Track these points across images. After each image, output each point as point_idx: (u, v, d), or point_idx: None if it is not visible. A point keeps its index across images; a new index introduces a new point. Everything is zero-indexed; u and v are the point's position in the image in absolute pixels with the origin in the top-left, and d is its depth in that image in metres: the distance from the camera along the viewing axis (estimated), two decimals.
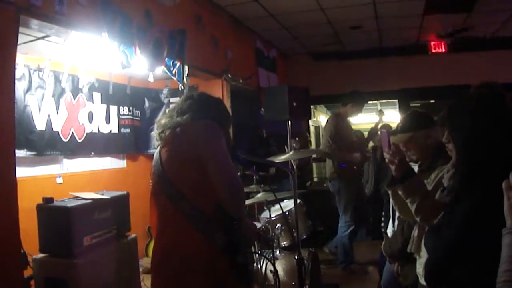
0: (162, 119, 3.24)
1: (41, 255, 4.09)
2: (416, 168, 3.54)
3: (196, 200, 2.92)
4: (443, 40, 9.60)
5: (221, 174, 2.90)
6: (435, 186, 3.13)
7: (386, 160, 2.96)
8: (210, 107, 3.25)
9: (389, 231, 4.18)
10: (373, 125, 7.58)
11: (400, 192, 2.91)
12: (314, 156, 9.05)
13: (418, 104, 11.26)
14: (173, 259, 2.95)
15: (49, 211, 4.09)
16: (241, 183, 3.02)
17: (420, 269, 3.18)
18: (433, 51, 9.79)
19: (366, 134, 7.99)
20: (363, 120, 12.07)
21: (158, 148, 3.17)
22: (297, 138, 7.97)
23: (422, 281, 3.12)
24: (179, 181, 2.97)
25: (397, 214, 3.58)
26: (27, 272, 3.92)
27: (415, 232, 3.28)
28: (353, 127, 7.82)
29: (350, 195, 7.20)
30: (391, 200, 3.31)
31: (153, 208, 3.17)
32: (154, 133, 3.28)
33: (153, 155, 3.27)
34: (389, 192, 3.17)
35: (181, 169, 2.99)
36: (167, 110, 6.66)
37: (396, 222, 3.90)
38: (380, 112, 7.56)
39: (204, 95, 3.38)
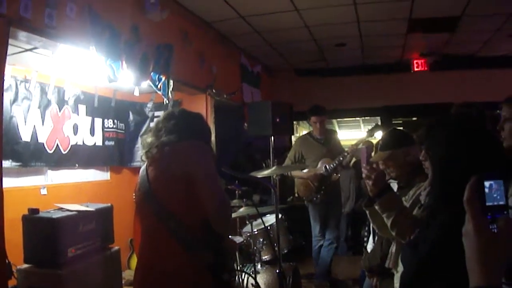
0: (147, 137, 3.27)
1: (25, 265, 4.10)
2: (395, 185, 3.62)
3: (183, 217, 2.97)
4: (425, 58, 9.73)
5: (212, 192, 2.95)
6: (413, 203, 3.20)
7: (363, 175, 3.03)
8: (195, 125, 3.31)
9: (369, 247, 4.24)
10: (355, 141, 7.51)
11: (376, 207, 2.98)
12: None
13: (400, 121, 11.37)
14: (158, 277, 2.99)
15: (34, 222, 4.10)
16: (229, 202, 3.09)
17: (397, 284, 3.24)
18: (416, 69, 9.91)
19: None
20: (347, 136, 12.18)
21: (144, 166, 3.21)
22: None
23: None
24: (167, 199, 3.02)
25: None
26: (12, 283, 3.94)
27: (393, 248, 3.35)
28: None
29: (313, 210, 7.26)
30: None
31: (137, 225, 3.21)
32: (141, 152, 3.32)
33: (136, 168, 3.33)
34: (367, 212, 3.24)
35: (169, 188, 3.03)
36: (151, 124, 6.73)
37: (376, 238, 3.96)
38: (376, 127, 6.88)
39: (184, 113, 3.43)
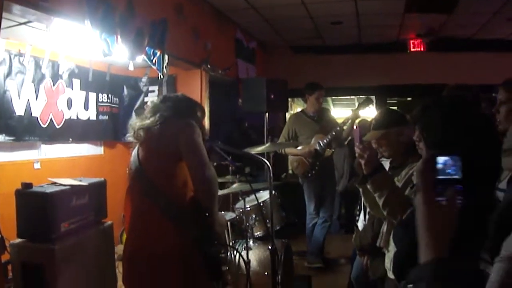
0: (133, 121, 3.38)
1: (18, 240, 4.08)
2: (387, 164, 3.63)
3: (172, 194, 3.04)
4: (422, 38, 9.70)
5: (195, 166, 3.03)
6: (405, 183, 3.21)
7: (356, 155, 3.04)
8: (179, 106, 3.38)
9: (360, 225, 4.26)
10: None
11: (368, 186, 3.00)
12: None
13: (395, 101, 11.37)
14: (148, 258, 3.04)
15: (28, 197, 4.08)
16: (214, 176, 3.12)
17: (388, 263, 3.27)
18: (412, 49, 9.89)
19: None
20: (341, 114, 12.19)
21: (136, 146, 3.27)
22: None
23: (390, 274, 3.20)
24: (156, 176, 3.09)
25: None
26: (5, 257, 3.94)
27: (384, 227, 3.36)
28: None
29: (308, 188, 7.29)
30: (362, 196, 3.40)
31: (128, 203, 3.25)
32: (130, 135, 3.37)
33: (130, 142, 3.36)
34: (360, 189, 3.26)
35: (159, 165, 3.11)
36: (145, 99, 6.70)
37: (367, 216, 3.98)
38: (367, 101, 6.86)
39: (168, 97, 3.54)
